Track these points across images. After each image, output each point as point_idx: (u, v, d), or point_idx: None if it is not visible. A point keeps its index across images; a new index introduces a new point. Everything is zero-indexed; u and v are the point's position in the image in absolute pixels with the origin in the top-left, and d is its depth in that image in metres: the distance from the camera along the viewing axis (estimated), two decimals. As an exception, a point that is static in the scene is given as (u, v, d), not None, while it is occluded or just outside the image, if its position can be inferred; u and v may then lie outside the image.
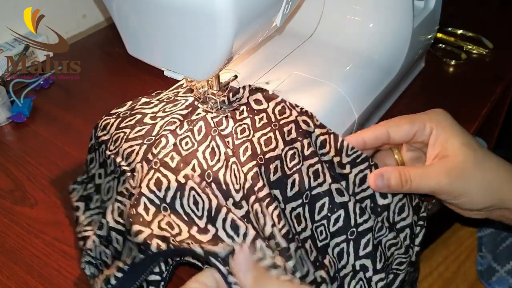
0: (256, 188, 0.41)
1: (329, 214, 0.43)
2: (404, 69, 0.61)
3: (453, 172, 0.42)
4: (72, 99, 0.71)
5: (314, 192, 0.43)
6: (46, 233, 0.50)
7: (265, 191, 0.41)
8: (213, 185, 0.42)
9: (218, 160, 0.43)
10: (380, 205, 0.44)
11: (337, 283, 0.42)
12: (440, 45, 0.78)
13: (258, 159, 0.43)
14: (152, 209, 0.41)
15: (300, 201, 0.42)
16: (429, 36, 0.68)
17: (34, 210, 0.53)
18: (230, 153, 0.43)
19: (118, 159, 0.46)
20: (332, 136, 0.45)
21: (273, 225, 0.39)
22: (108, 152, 0.47)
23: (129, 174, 0.44)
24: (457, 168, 0.42)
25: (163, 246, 0.38)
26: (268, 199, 0.40)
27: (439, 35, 0.79)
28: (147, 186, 0.41)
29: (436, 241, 0.81)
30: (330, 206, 0.43)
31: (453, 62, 0.74)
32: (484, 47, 0.77)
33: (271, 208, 0.40)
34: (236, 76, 0.50)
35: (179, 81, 0.52)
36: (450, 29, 0.81)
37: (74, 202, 0.51)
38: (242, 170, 0.42)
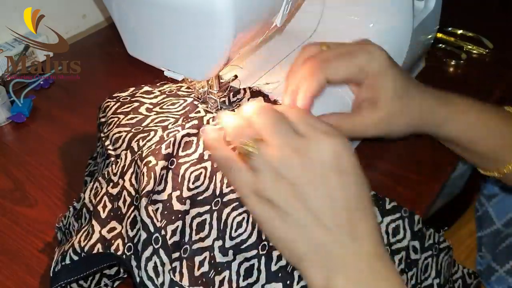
0: (228, 189, 0.40)
1: None
2: (404, 69, 0.61)
3: (381, 124, 0.46)
4: (72, 99, 0.71)
5: None
6: (46, 233, 0.50)
7: (233, 195, 0.40)
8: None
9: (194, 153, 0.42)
10: None
11: None
12: (440, 45, 0.78)
13: None
14: (128, 201, 0.41)
15: None
16: (429, 36, 0.68)
17: (34, 210, 0.53)
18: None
19: (107, 143, 0.46)
20: None
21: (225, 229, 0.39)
22: (101, 134, 0.48)
23: (113, 159, 0.44)
24: (384, 119, 0.46)
25: (121, 250, 0.38)
26: (235, 203, 0.40)
27: (439, 35, 0.79)
28: (129, 179, 0.41)
29: (436, 241, 0.81)
30: None
31: (453, 62, 0.74)
32: (484, 47, 0.77)
33: (235, 212, 0.39)
34: (236, 76, 0.50)
35: (179, 81, 0.52)
36: (450, 29, 0.81)
37: (84, 177, 0.53)
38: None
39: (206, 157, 0.41)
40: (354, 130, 0.47)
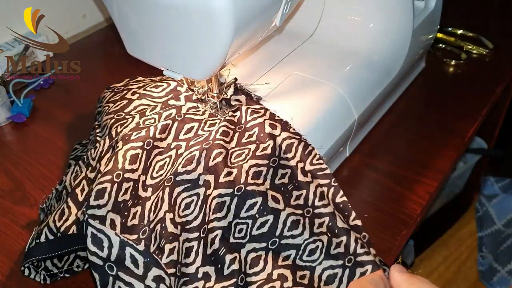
0: (183, 169, 0.41)
1: (257, 216, 0.41)
2: (404, 69, 0.61)
3: None
4: (72, 99, 0.71)
5: (249, 188, 0.41)
6: (46, 233, 0.50)
7: (192, 175, 0.41)
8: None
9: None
10: (339, 227, 0.42)
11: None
12: (440, 45, 0.78)
13: (204, 144, 0.43)
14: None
15: (230, 191, 0.41)
16: (430, 36, 0.68)
17: (34, 210, 0.53)
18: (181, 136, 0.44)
19: (98, 130, 0.48)
20: (302, 143, 0.44)
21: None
22: (95, 123, 0.50)
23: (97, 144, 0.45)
24: None
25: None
26: (187, 185, 0.41)
27: (439, 35, 0.79)
28: (105, 164, 0.42)
29: (436, 241, 0.81)
30: (261, 208, 0.41)
31: (453, 62, 0.74)
32: (484, 47, 0.77)
33: (185, 194, 0.41)
34: (236, 79, 0.50)
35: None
36: (450, 29, 0.81)
37: (69, 160, 0.54)
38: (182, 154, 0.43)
39: (172, 146, 0.43)
40: None
